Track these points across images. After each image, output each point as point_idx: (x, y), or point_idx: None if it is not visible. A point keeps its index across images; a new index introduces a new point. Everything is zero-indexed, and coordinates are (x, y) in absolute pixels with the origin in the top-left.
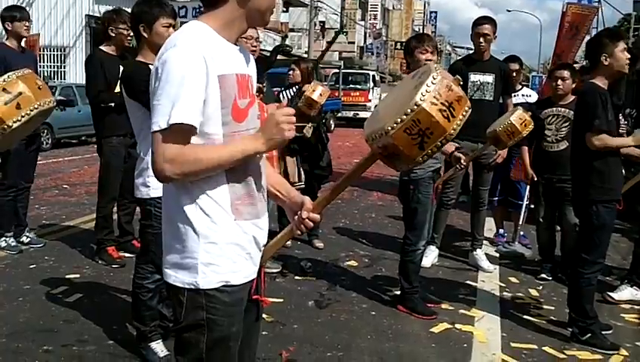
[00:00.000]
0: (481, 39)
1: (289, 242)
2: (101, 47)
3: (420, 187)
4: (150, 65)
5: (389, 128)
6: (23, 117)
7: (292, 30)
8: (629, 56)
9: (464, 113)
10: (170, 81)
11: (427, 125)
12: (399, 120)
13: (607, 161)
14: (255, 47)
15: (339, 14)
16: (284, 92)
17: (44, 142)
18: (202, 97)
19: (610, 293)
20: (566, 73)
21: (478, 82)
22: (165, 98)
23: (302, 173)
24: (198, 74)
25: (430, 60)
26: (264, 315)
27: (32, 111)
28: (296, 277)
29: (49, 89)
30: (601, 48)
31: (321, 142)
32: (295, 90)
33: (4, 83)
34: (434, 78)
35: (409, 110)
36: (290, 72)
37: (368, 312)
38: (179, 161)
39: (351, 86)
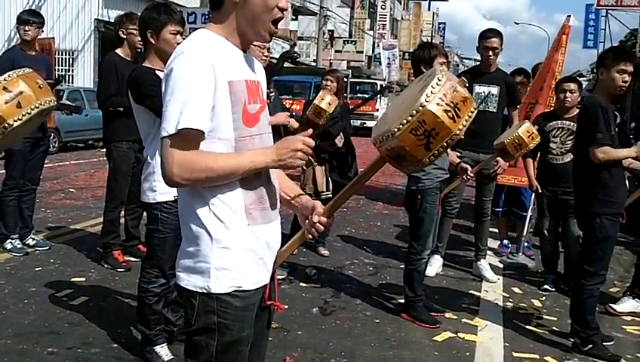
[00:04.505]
0: (490, 52)
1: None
2: (117, 51)
3: (427, 197)
4: (157, 71)
5: (395, 130)
6: (23, 116)
7: (301, 38)
8: (626, 79)
9: (470, 114)
10: (178, 88)
11: (433, 126)
12: (405, 121)
13: (610, 173)
14: (266, 56)
15: (347, 23)
16: None
17: (52, 145)
18: (210, 103)
19: (612, 305)
20: (573, 86)
21: (483, 93)
22: (173, 105)
23: (330, 182)
24: (205, 80)
25: None
26: None
27: (32, 110)
28: (302, 284)
29: (51, 89)
30: (603, 62)
31: (350, 153)
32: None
33: (4, 82)
34: (439, 80)
35: (414, 111)
36: (325, 83)
37: (372, 320)
38: (187, 167)
39: (359, 95)
